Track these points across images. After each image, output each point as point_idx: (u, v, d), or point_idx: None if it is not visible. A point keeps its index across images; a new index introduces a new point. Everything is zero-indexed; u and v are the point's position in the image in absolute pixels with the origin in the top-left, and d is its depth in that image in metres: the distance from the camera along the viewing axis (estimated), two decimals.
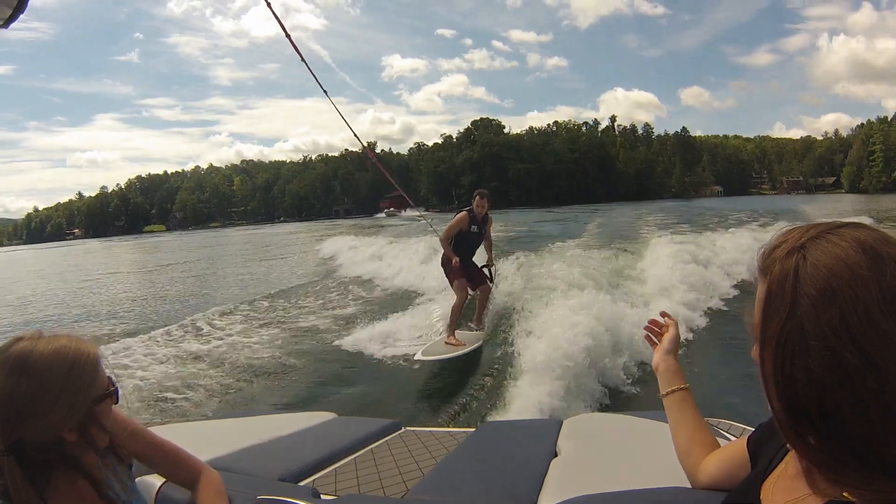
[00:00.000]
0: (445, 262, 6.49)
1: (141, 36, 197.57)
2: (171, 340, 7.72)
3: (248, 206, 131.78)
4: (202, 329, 8.39)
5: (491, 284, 6.99)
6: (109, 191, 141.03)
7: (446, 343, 6.08)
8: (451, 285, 6.54)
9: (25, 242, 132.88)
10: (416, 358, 5.71)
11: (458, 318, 6.36)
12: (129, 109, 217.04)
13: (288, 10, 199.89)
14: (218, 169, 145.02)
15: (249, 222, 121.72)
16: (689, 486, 1.14)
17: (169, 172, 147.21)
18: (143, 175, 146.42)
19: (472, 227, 6.44)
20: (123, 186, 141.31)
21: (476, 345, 6.08)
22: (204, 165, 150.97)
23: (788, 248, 0.67)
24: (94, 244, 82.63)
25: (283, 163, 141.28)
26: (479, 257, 7.10)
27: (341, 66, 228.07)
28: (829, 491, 0.66)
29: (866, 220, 14.13)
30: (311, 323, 8.55)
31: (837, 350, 0.60)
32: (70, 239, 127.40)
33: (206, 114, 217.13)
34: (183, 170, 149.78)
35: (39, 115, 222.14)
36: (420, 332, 7.13)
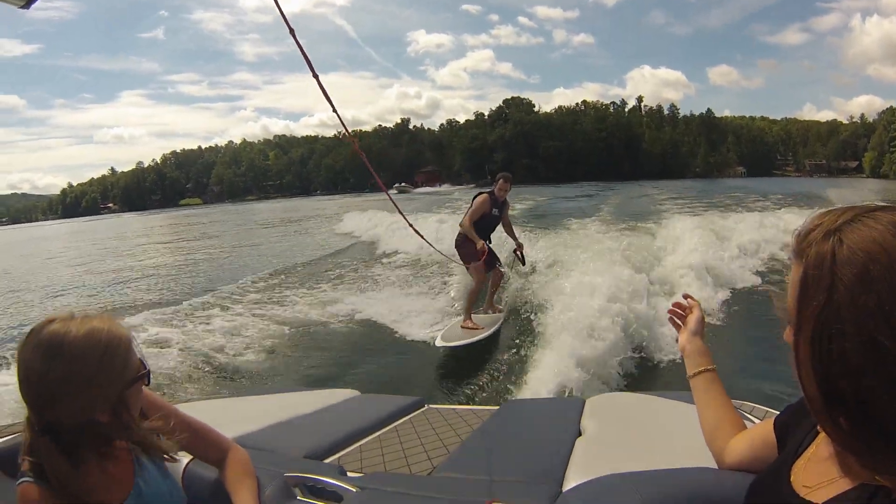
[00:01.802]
0: (461, 245, 6.49)
1: (166, 13, 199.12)
2: (191, 317, 7.68)
3: (283, 180, 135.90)
4: (224, 305, 8.38)
5: (524, 267, 7.21)
6: (146, 165, 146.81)
7: (462, 327, 6.09)
8: (468, 268, 6.52)
9: (61, 217, 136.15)
10: (436, 344, 5.70)
11: (475, 300, 6.39)
12: (154, 85, 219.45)
13: None
14: (251, 143, 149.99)
15: (285, 195, 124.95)
16: (715, 466, 1.16)
17: (203, 147, 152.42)
18: (178, 150, 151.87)
19: (494, 209, 6.46)
20: (159, 161, 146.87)
21: (493, 328, 6.07)
22: (231, 140, 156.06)
23: (825, 231, 0.67)
24: (131, 217, 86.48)
25: (317, 138, 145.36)
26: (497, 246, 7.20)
27: (367, 41, 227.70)
28: (862, 474, 0.67)
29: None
30: (330, 298, 8.57)
31: (874, 335, 0.60)
32: (105, 213, 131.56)
33: (231, 89, 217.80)
34: (216, 144, 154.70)
35: (66, 92, 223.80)
36: (439, 311, 7.29)
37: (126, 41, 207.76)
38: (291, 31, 2.53)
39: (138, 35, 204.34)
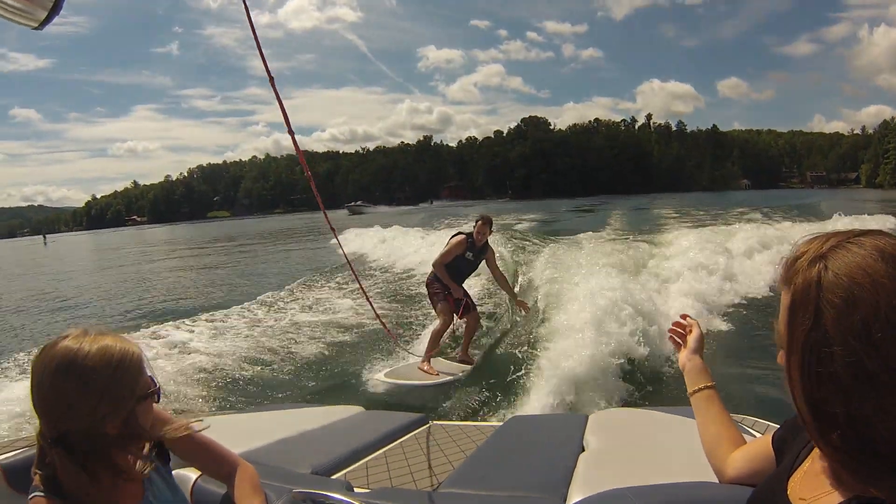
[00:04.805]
0: (430, 283, 6.00)
1: (179, 29, 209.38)
2: (197, 333, 7.69)
3: (310, 194, 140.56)
4: (230, 321, 8.37)
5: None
6: (174, 179, 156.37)
7: (419, 368, 5.53)
8: (435, 308, 6.01)
9: (86, 229, 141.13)
10: (377, 378, 5.34)
11: (437, 344, 5.77)
12: (167, 100, 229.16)
13: (325, 3, 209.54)
14: (276, 159, 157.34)
15: (312, 209, 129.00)
16: (716, 480, 1.17)
17: (228, 162, 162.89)
18: (204, 164, 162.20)
19: (468, 253, 5.87)
20: (186, 175, 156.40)
21: (451, 377, 5.43)
22: (255, 155, 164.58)
23: (810, 258, 0.70)
24: (162, 230, 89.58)
25: (339, 154, 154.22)
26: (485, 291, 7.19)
27: (378, 57, 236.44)
28: (855, 486, 0.69)
29: (891, 220, 16.93)
30: (335, 313, 8.55)
31: (860, 355, 0.62)
32: (131, 225, 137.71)
33: (242, 104, 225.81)
34: (241, 159, 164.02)
35: (80, 106, 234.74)
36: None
37: (140, 56, 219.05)
38: (271, 80, 2.39)
39: (152, 50, 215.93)
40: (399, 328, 7.41)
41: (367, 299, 4.46)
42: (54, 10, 1.23)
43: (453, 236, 6.03)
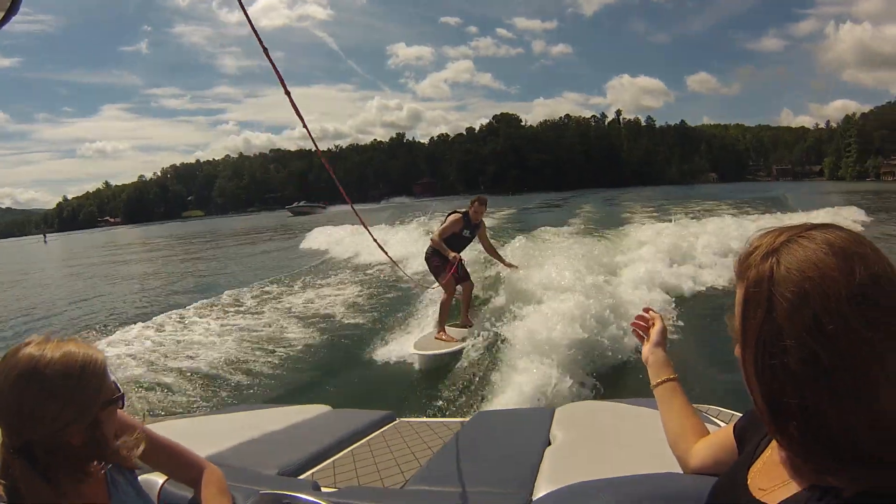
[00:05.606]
0: (430, 258, 6.46)
1: (148, 27, 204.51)
2: (157, 333, 7.61)
3: (284, 192, 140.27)
4: (190, 321, 8.25)
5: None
6: (147, 179, 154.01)
7: (436, 339, 6.01)
8: (438, 281, 6.44)
9: (58, 230, 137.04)
10: (409, 352, 5.70)
11: (447, 313, 6.24)
12: (136, 99, 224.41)
13: (296, 1, 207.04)
14: (248, 157, 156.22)
15: (287, 206, 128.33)
16: (680, 471, 1.18)
17: (201, 161, 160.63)
18: (177, 164, 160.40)
19: (465, 231, 6.40)
20: (160, 174, 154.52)
21: (465, 341, 5.90)
22: (213, 154, 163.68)
23: (763, 253, 0.71)
24: (136, 231, 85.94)
25: (311, 152, 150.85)
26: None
27: (348, 54, 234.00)
28: (812, 477, 0.70)
29: (853, 210, 17.60)
30: (299, 313, 8.54)
31: (812, 348, 0.64)
32: (103, 226, 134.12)
33: (212, 102, 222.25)
34: (214, 159, 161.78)
35: (47, 106, 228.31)
36: (409, 325, 7.09)
37: (108, 55, 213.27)
38: (265, 50, 2.40)
39: (120, 49, 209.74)
40: (383, 319, 7.66)
41: (390, 258, 4.65)
42: (11, 11, 1.22)
43: (450, 214, 6.54)
